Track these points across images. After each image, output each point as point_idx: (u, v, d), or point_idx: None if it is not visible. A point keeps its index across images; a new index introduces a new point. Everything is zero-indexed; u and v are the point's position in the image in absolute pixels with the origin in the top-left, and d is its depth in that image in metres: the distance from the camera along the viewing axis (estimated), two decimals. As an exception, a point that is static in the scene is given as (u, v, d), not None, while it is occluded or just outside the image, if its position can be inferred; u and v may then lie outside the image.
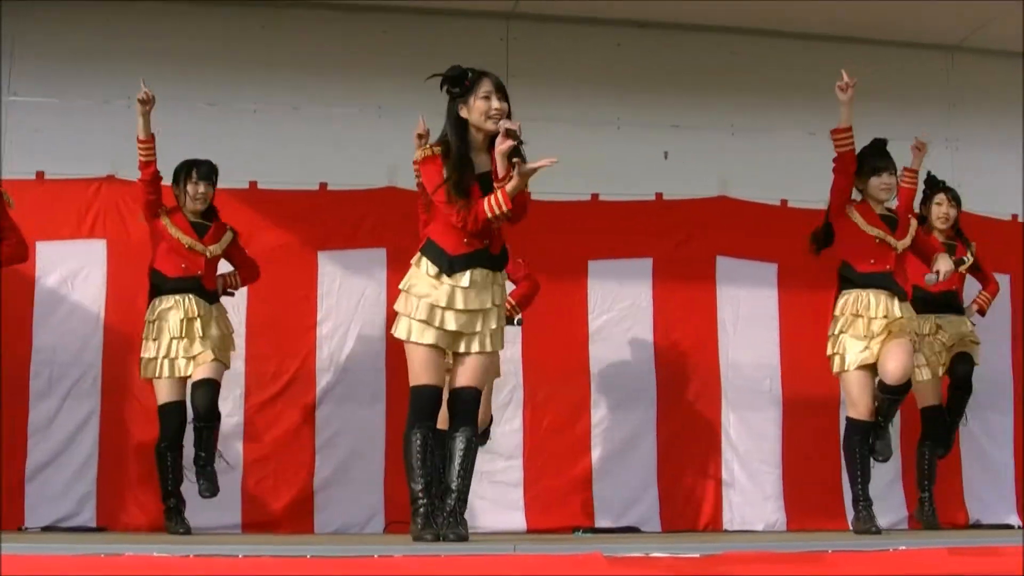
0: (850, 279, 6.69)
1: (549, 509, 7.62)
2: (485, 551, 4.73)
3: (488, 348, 5.49)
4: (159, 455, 6.72)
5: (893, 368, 6.51)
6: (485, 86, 5.41)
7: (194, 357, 6.71)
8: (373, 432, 7.47)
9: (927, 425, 7.51)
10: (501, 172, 5.32)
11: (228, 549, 4.51)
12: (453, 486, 5.36)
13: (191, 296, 6.77)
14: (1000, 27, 8.46)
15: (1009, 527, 7.92)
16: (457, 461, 5.39)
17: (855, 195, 6.78)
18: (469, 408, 5.47)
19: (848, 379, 6.66)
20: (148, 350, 6.74)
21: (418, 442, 5.40)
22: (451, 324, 5.40)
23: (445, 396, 5.59)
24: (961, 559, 4.86)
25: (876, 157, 6.79)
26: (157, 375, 6.70)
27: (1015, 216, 8.51)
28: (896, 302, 6.60)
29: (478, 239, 5.44)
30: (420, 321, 5.40)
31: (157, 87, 7.68)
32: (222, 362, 6.81)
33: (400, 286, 5.53)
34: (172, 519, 6.69)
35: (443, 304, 5.40)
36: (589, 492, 7.75)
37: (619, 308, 8.04)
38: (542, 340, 7.76)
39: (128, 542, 4.90)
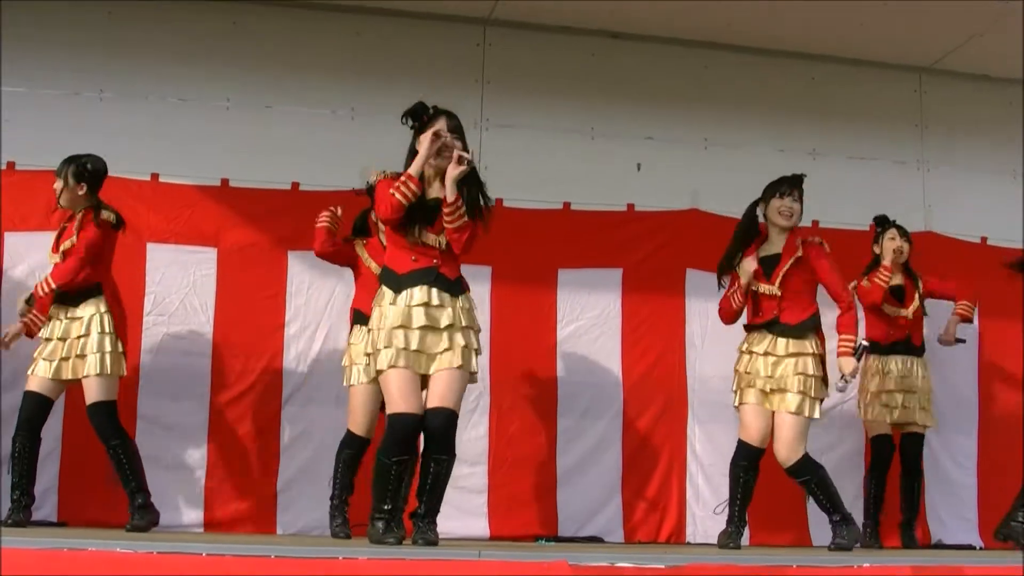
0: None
1: (512, 516, 7.60)
2: (450, 556, 4.71)
3: (454, 364, 5.46)
4: (12, 443, 6.59)
5: (778, 447, 6.57)
6: (439, 124, 5.52)
7: (72, 359, 6.58)
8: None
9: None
10: (450, 197, 5.43)
11: (191, 547, 4.47)
12: (422, 503, 5.43)
13: (62, 305, 6.64)
14: (972, 50, 8.53)
15: (971, 547, 7.96)
16: (428, 484, 5.45)
17: None
18: (440, 432, 5.46)
19: (742, 411, 6.71)
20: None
21: (393, 472, 5.45)
22: (413, 343, 5.43)
23: None
24: (925, 578, 4.89)
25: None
26: (31, 372, 6.64)
27: (984, 238, 8.55)
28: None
29: (426, 256, 5.50)
30: (386, 348, 5.44)
31: (127, 81, 7.72)
32: (105, 375, 6.59)
33: (370, 326, 5.62)
34: (14, 510, 6.51)
35: (400, 323, 5.44)
36: (553, 500, 7.74)
37: (588, 317, 8.03)
38: (510, 347, 7.76)
39: (91, 537, 4.85)
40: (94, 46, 7.78)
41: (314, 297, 7.67)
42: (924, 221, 8.61)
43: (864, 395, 7.74)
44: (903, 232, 7.76)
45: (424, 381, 5.51)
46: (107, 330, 6.66)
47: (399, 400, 5.43)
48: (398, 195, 5.39)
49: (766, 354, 6.62)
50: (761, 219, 6.83)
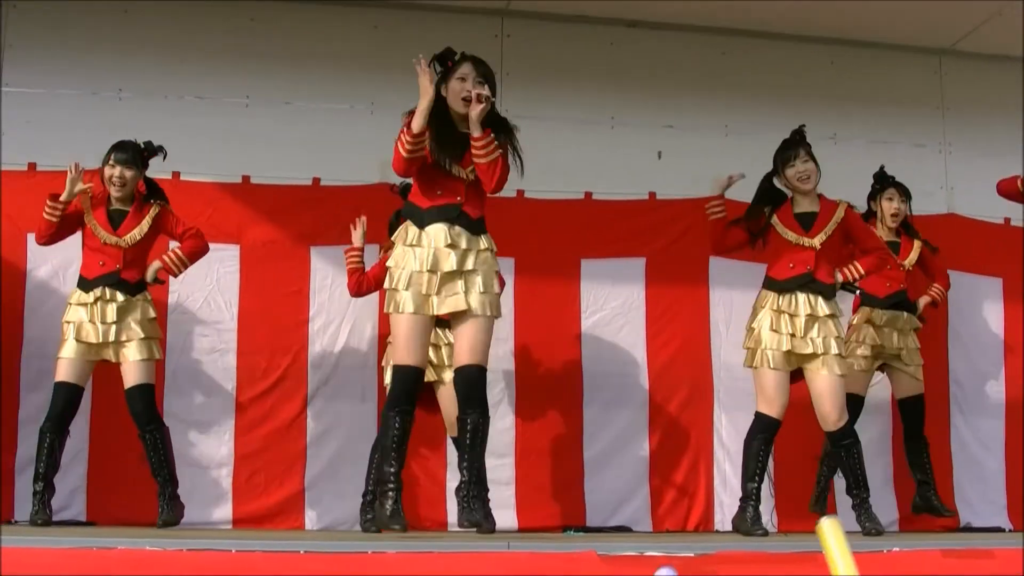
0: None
1: (540, 507, 7.60)
2: (479, 548, 4.72)
3: (478, 312, 5.46)
4: (40, 434, 6.58)
5: (829, 410, 6.43)
6: (463, 69, 5.56)
7: (111, 344, 6.59)
8: (364, 428, 7.42)
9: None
10: (476, 134, 5.43)
11: (220, 544, 4.50)
12: (463, 470, 5.39)
13: (107, 288, 6.64)
14: (992, 30, 8.47)
15: (1000, 530, 7.93)
16: (466, 443, 5.42)
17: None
18: (472, 388, 5.46)
19: (763, 375, 6.52)
20: (64, 332, 6.64)
21: (396, 425, 5.40)
22: (433, 287, 5.42)
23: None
24: (955, 561, 4.88)
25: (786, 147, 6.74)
26: (61, 355, 6.61)
27: (1007, 220, 8.51)
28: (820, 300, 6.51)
29: (451, 192, 5.50)
30: (403, 289, 5.44)
31: (146, 79, 7.76)
32: (150, 359, 6.67)
33: (387, 263, 5.61)
34: (35, 506, 6.48)
35: (421, 267, 5.43)
36: (580, 491, 7.72)
37: (611, 307, 8.02)
38: (534, 338, 7.77)
39: (120, 535, 4.87)
40: (111, 45, 7.81)
41: (337, 292, 7.63)
42: (946, 203, 8.58)
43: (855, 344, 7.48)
44: (902, 193, 7.65)
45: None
46: (153, 315, 6.76)
47: (404, 351, 5.44)
48: (400, 148, 5.38)
49: (793, 315, 6.47)
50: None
